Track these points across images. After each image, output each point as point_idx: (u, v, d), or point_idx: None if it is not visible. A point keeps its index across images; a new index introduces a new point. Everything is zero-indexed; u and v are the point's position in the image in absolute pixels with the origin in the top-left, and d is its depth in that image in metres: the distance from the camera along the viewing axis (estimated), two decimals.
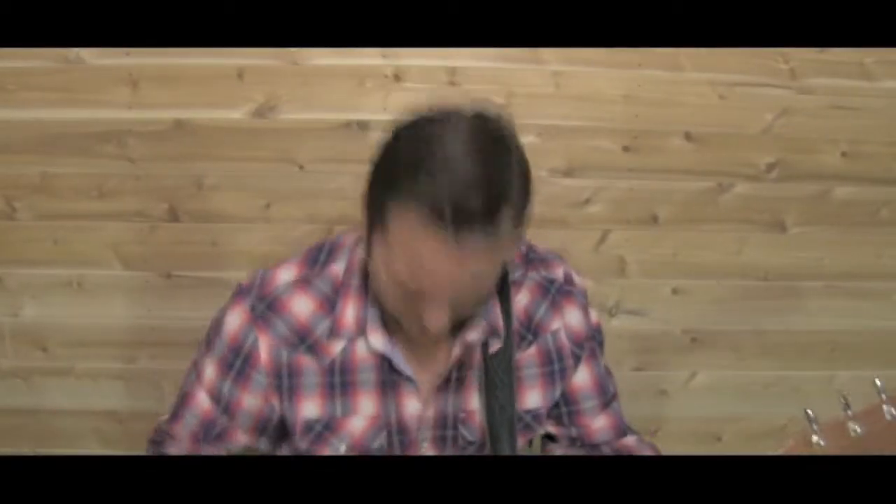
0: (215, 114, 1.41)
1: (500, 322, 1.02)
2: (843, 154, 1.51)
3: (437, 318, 0.88)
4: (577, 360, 1.10)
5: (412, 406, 1.03)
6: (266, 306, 1.00)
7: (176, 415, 1.08)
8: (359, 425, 1.03)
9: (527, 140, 1.47)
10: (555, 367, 1.08)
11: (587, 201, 1.50)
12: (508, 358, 1.03)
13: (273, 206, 1.46)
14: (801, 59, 1.45)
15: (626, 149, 1.47)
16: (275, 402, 1.03)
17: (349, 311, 1.00)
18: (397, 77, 1.41)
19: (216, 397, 1.04)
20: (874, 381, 0.78)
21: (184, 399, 1.07)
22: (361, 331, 1.00)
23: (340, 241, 1.04)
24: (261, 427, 1.06)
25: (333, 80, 1.41)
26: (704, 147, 1.48)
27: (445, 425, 1.05)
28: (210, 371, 1.04)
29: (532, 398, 1.08)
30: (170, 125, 1.41)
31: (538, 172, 1.45)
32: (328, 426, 1.03)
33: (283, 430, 1.07)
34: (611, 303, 1.56)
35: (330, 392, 1.02)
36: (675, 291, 1.57)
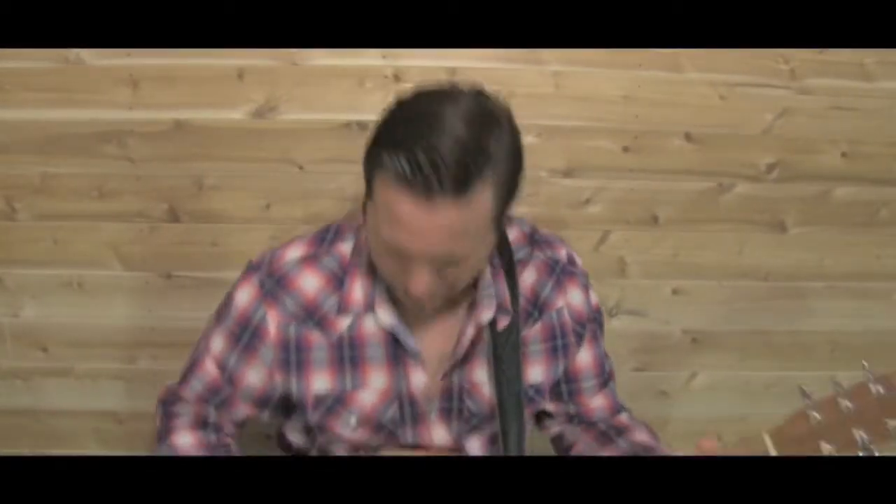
0: (215, 114, 1.41)
1: (508, 299, 1.05)
2: (843, 154, 1.51)
3: (420, 282, 0.91)
4: (580, 337, 1.14)
5: (419, 379, 1.06)
6: (275, 283, 1.04)
7: (185, 378, 1.13)
8: (369, 398, 1.06)
9: (527, 140, 1.47)
10: (558, 343, 1.12)
11: (587, 202, 1.50)
12: (516, 334, 1.06)
13: (273, 206, 1.46)
14: (802, 60, 1.45)
15: (626, 149, 1.47)
16: (279, 378, 1.06)
17: (357, 288, 1.03)
18: (397, 77, 1.41)
19: (222, 367, 1.08)
20: (862, 363, 0.84)
21: (193, 365, 1.12)
22: (369, 307, 1.03)
23: (346, 224, 1.08)
24: (262, 401, 1.10)
25: (333, 80, 1.41)
26: (705, 147, 1.48)
27: (451, 397, 1.08)
28: (218, 342, 1.08)
29: (536, 373, 1.11)
30: (170, 125, 1.41)
31: (538, 173, 1.46)
32: (339, 399, 1.06)
33: (286, 407, 1.11)
34: (611, 303, 1.56)
35: (339, 366, 1.05)
36: (675, 292, 1.57)
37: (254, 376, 1.07)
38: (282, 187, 1.45)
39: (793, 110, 1.47)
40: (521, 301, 1.08)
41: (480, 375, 1.08)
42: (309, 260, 1.05)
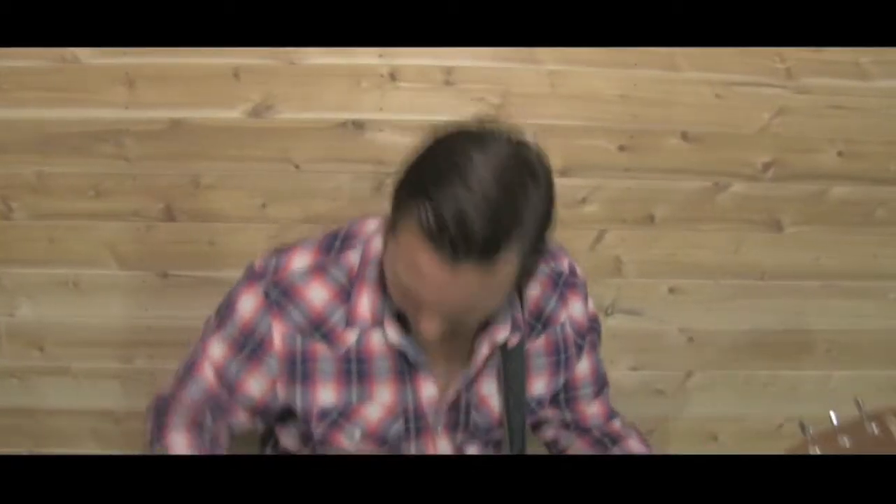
0: (212, 113, 1.41)
1: (520, 316, 1.04)
2: (840, 153, 1.51)
3: (430, 327, 0.90)
4: (580, 349, 1.13)
5: (430, 393, 1.05)
6: (281, 292, 1.01)
7: (182, 382, 1.08)
8: (375, 412, 1.04)
9: None
10: (561, 357, 1.11)
11: (583, 201, 1.50)
12: (521, 348, 1.05)
13: (269, 205, 1.46)
14: (798, 59, 1.45)
15: (622, 148, 1.47)
16: (280, 390, 1.03)
17: (364, 302, 1.01)
18: (393, 76, 1.41)
19: (221, 374, 1.05)
20: (856, 401, 0.83)
21: (190, 369, 1.07)
22: (377, 322, 1.00)
23: (355, 229, 1.05)
24: (260, 411, 1.07)
25: (330, 79, 1.41)
26: (701, 146, 1.48)
27: (458, 410, 1.07)
28: (219, 349, 1.04)
29: (539, 386, 1.11)
30: (166, 125, 1.41)
31: None
32: (344, 413, 1.04)
33: (284, 417, 1.09)
34: (607, 302, 1.56)
35: (346, 379, 1.03)
36: (671, 291, 1.57)
37: (255, 387, 1.04)
38: (278, 186, 1.45)
39: (789, 109, 1.47)
40: (526, 315, 1.07)
41: (488, 389, 1.07)
42: (317, 270, 1.02)
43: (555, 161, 1.45)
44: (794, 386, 1.64)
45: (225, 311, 1.05)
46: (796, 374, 1.63)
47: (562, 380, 1.13)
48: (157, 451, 1.05)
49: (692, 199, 1.51)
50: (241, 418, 1.09)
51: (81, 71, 1.38)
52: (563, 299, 1.10)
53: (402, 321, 1.00)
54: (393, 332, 1.00)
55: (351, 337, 1.01)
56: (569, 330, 1.11)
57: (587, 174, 1.48)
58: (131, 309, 1.50)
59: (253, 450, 1.28)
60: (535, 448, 1.26)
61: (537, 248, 0.88)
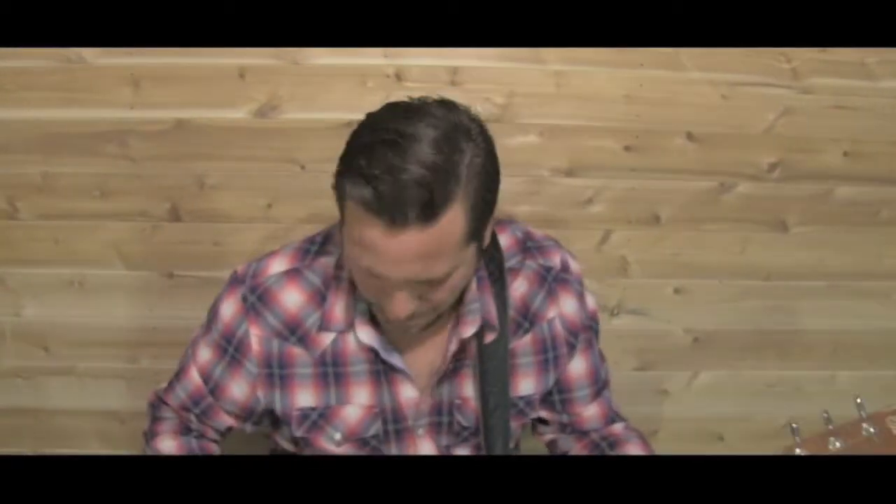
0: (217, 113, 1.41)
1: (494, 313, 1.03)
2: (845, 154, 1.50)
3: (399, 306, 0.90)
4: (572, 348, 1.11)
5: (408, 395, 1.05)
6: (257, 297, 1.02)
7: (171, 385, 1.12)
8: (354, 414, 1.05)
9: (528, 140, 1.47)
10: (549, 356, 1.10)
11: (589, 201, 1.50)
12: (503, 347, 1.04)
13: (275, 205, 1.46)
14: (803, 59, 1.45)
15: (627, 148, 1.47)
16: (261, 393, 1.05)
17: (338, 305, 1.02)
18: (399, 77, 1.41)
19: (206, 378, 1.07)
20: (856, 400, 0.82)
21: (179, 373, 1.11)
22: (352, 324, 1.01)
23: (333, 233, 1.06)
24: (244, 414, 1.09)
25: (335, 79, 1.41)
26: (706, 147, 1.48)
27: (441, 412, 1.07)
28: (205, 353, 1.07)
29: (526, 385, 1.10)
30: (171, 125, 1.41)
31: (540, 172, 1.46)
32: (323, 415, 1.05)
33: (269, 419, 1.10)
34: (612, 303, 1.56)
35: (324, 382, 1.04)
36: (676, 291, 1.57)
37: (237, 390, 1.06)
38: (283, 187, 1.45)
39: (794, 109, 1.47)
40: (511, 312, 1.06)
41: (469, 389, 1.07)
42: (292, 274, 1.03)
43: (560, 161, 1.47)
44: (800, 386, 1.64)
45: (211, 316, 1.07)
46: (802, 374, 1.63)
47: (551, 379, 1.11)
48: (150, 454, 1.11)
49: (698, 200, 1.51)
50: (227, 421, 1.11)
51: (87, 71, 1.38)
52: (551, 295, 1.09)
53: (375, 322, 1.00)
54: (364, 334, 1.00)
55: (326, 340, 1.02)
56: (559, 327, 1.09)
57: (593, 174, 1.48)
58: (137, 309, 1.51)
59: (255, 450, 1.29)
60: (536, 449, 1.26)
61: (485, 202, 0.88)
